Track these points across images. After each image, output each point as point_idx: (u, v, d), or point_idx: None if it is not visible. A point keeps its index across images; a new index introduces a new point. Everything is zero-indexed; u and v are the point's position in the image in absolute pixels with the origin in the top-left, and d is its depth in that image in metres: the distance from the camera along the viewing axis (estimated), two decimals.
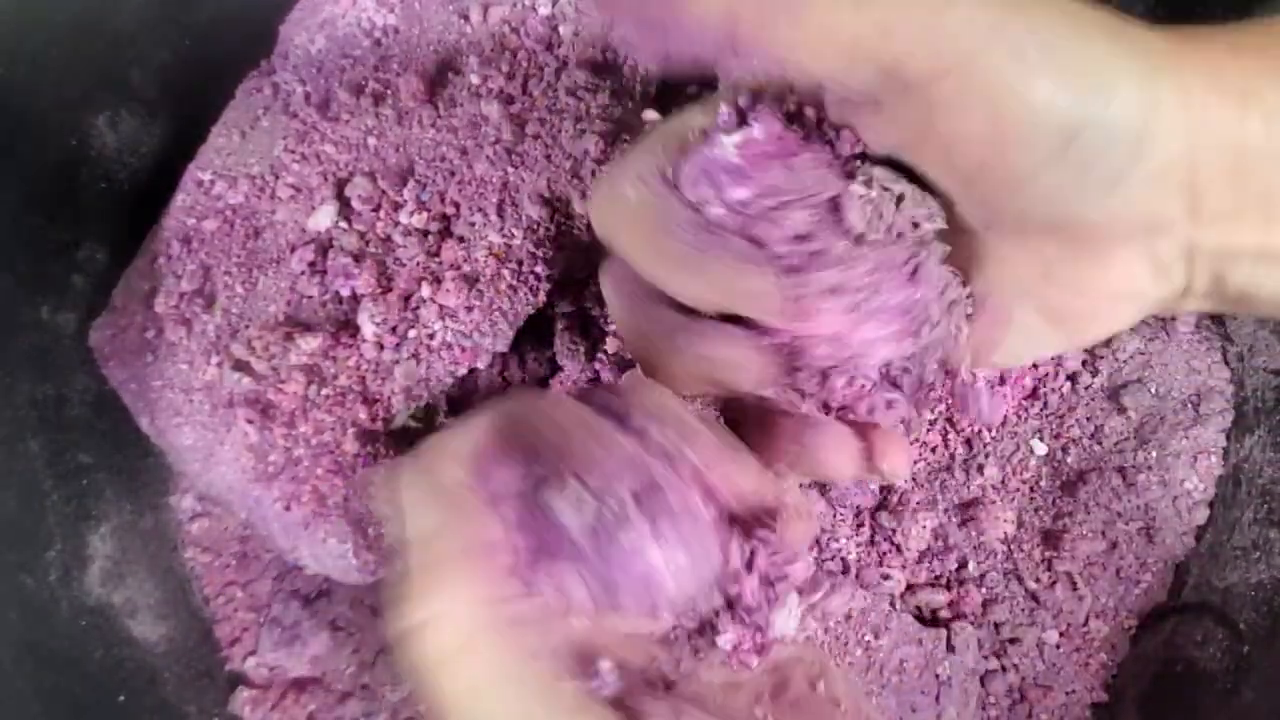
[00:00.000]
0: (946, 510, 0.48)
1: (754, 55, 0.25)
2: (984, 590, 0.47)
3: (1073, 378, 0.49)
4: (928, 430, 0.49)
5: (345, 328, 0.42)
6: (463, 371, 0.42)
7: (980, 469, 0.48)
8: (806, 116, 0.26)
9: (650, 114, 0.44)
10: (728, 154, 0.25)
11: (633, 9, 0.25)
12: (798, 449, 0.30)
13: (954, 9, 0.23)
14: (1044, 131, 0.24)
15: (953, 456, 0.49)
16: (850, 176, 0.26)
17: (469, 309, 0.42)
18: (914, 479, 0.49)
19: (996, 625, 0.47)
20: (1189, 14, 0.45)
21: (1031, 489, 0.49)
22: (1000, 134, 0.24)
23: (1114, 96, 0.23)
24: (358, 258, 0.43)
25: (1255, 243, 0.26)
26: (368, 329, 0.41)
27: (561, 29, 0.45)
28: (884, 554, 0.47)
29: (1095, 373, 0.49)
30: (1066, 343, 0.30)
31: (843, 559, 0.47)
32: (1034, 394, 0.49)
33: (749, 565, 0.25)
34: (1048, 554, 0.47)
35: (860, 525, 0.47)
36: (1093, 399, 0.49)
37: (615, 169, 0.28)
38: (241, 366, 0.42)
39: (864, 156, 0.26)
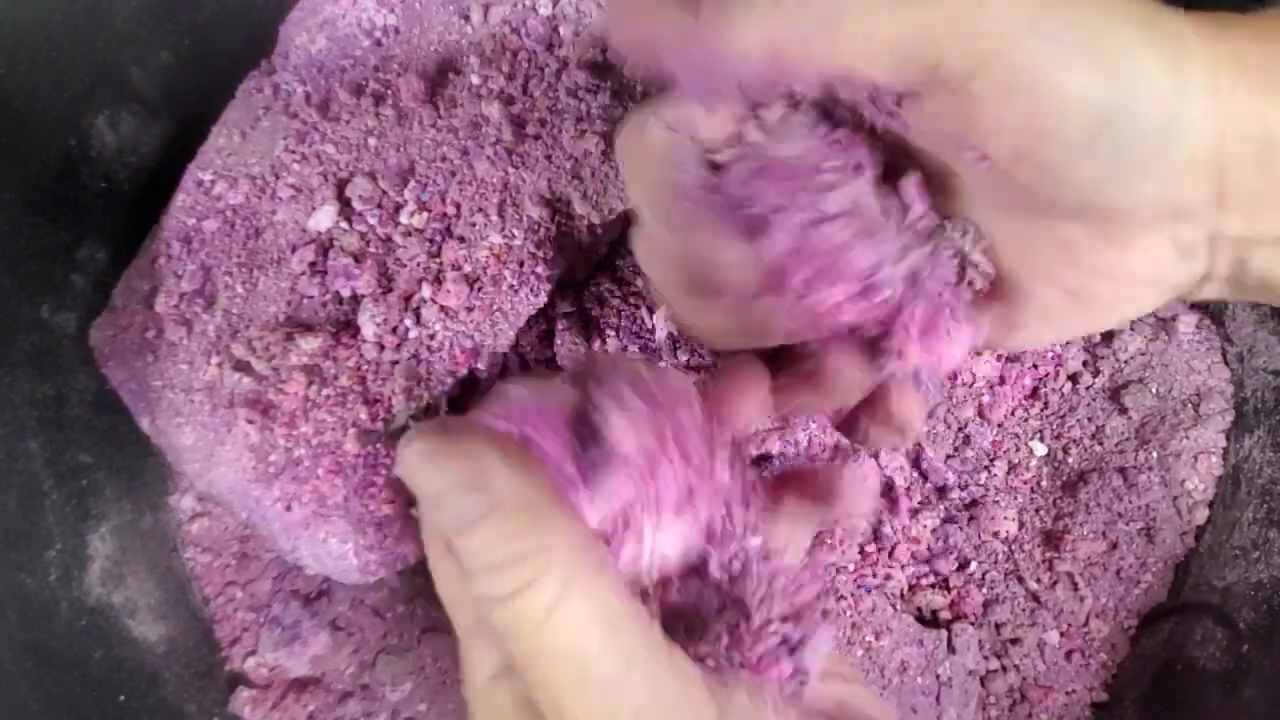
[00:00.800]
0: (946, 510, 0.48)
1: (798, 74, 0.25)
2: (985, 591, 0.47)
3: (1074, 378, 0.49)
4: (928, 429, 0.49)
5: (346, 328, 0.42)
6: (463, 372, 0.42)
7: (981, 469, 0.48)
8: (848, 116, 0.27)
9: None
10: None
11: (672, 55, 0.25)
12: (812, 393, 0.30)
13: (988, 6, 0.23)
14: (1077, 121, 0.24)
15: (954, 455, 0.49)
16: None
17: (469, 309, 0.42)
18: (913, 479, 0.49)
19: (997, 626, 0.47)
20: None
21: (1032, 489, 0.49)
22: (1034, 125, 0.24)
23: (1144, 86, 0.24)
24: (358, 258, 0.43)
25: (1278, 231, 0.26)
26: (368, 329, 0.41)
27: (562, 29, 0.44)
28: (884, 554, 0.47)
29: (1096, 373, 0.49)
30: (1088, 325, 0.30)
31: (843, 558, 0.47)
32: (1034, 394, 0.49)
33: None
34: (1048, 554, 0.47)
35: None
36: (1093, 399, 0.49)
37: (653, 104, 0.29)
38: (242, 366, 0.42)
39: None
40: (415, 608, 0.48)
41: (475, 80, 0.44)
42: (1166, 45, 0.24)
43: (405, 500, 0.42)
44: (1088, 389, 0.49)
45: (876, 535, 0.47)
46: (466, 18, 0.46)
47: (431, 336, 0.42)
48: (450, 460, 0.21)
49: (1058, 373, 0.49)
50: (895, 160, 0.29)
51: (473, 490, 0.21)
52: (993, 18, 0.23)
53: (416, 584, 0.48)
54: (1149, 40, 0.24)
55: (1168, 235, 0.27)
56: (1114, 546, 0.47)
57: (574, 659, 0.20)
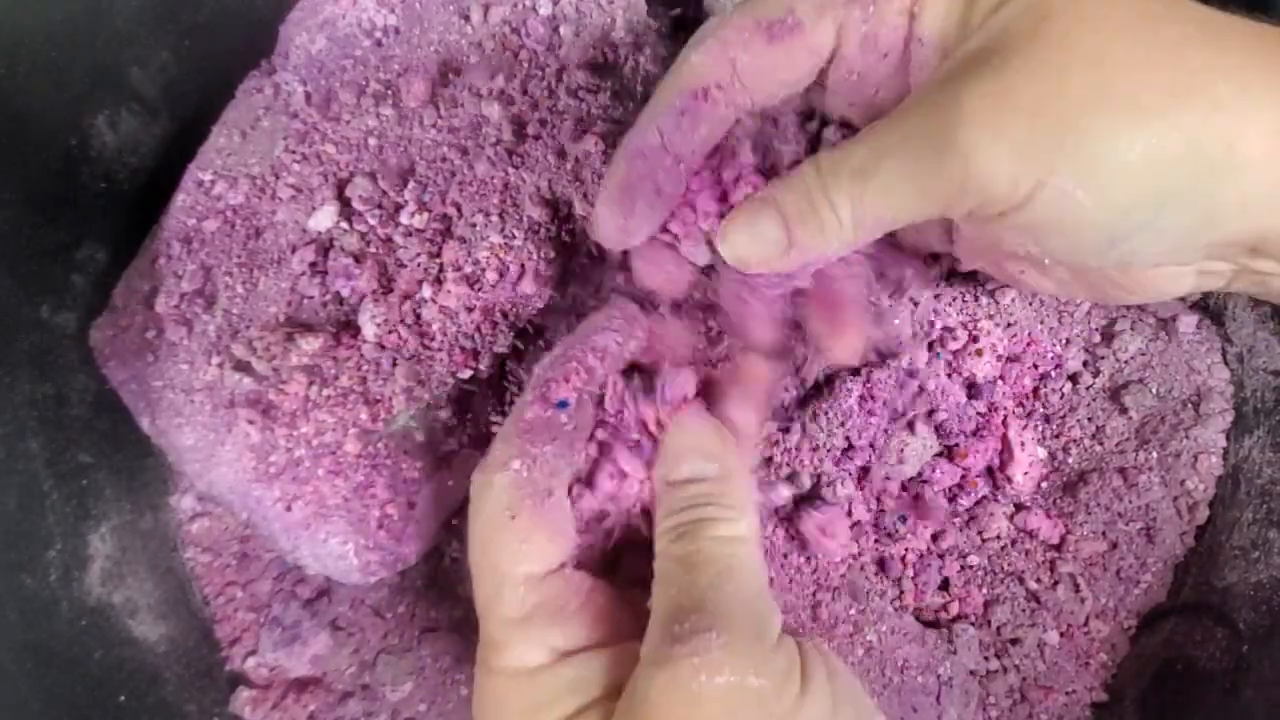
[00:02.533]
0: (947, 510, 0.48)
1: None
2: (985, 591, 0.47)
3: (1074, 378, 0.49)
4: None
5: (346, 328, 0.42)
6: (463, 372, 0.42)
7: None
8: None
9: None
10: None
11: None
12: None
13: (996, 173, 0.26)
14: (1097, 244, 0.27)
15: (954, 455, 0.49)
16: None
17: (469, 309, 0.42)
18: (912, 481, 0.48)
19: (997, 626, 0.47)
20: None
21: (1033, 489, 0.49)
22: (1048, 249, 0.28)
23: (1174, 207, 0.25)
24: (358, 258, 0.43)
25: None
26: (368, 329, 0.41)
27: (562, 30, 0.44)
28: (885, 554, 0.47)
29: (1096, 373, 0.49)
30: (1089, 299, 0.36)
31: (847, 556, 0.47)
32: (1035, 394, 0.49)
33: None
34: (1048, 554, 0.47)
35: (861, 526, 0.47)
36: (1094, 399, 0.49)
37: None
38: (242, 367, 0.42)
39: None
40: (415, 608, 0.48)
41: (475, 80, 0.44)
42: (1204, 141, 0.24)
43: (406, 500, 0.42)
44: (1088, 389, 0.49)
45: (876, 535, 0.47)
46: (466, 18, 0.46)
47: (431, 337, 0.42)
48: (701, 439, 0.34)
49: (1058, 373, 0.49)
50: None
51: (714, 458, 0.33)
52: (1005, 179, 0.26)
53: (416, 584, 0.48)
54: (1188, 151, 0.24)
55: (1195, 268, 0.28)
56: (1114, 546, 0.47)
57: (735, 565, 0.31)
